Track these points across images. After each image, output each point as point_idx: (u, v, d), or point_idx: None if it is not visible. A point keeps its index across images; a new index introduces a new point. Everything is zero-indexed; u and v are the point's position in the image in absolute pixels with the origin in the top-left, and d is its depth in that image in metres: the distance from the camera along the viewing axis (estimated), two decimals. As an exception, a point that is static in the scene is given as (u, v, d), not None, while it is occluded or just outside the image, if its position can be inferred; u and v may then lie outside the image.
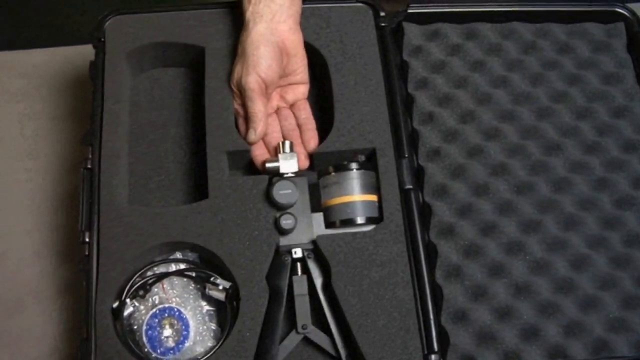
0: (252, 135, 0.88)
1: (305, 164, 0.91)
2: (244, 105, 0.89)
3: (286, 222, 0.85)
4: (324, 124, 0.94)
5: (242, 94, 0.88)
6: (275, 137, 0.91)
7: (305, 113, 0.93)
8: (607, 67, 1.01)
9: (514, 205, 0.91)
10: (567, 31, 1.03)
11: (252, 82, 0.86)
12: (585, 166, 0.94)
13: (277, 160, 0.88)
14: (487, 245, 0.89)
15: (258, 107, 0.87)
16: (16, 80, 1.10)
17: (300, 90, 0.94)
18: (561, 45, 1.02)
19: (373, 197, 0.88)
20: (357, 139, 0.91)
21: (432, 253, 0.88)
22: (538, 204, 0.92)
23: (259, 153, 0.91)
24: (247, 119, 0.89)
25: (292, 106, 0.94)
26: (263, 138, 0.91)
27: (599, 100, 0.99)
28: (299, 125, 0.93)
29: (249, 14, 0.87)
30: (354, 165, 0.88)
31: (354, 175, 0.88)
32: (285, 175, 0.87)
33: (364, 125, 0.92)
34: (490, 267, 0.88)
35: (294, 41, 0.89)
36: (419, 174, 0.93)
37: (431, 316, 0.84)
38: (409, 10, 1.01)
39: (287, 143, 0.89)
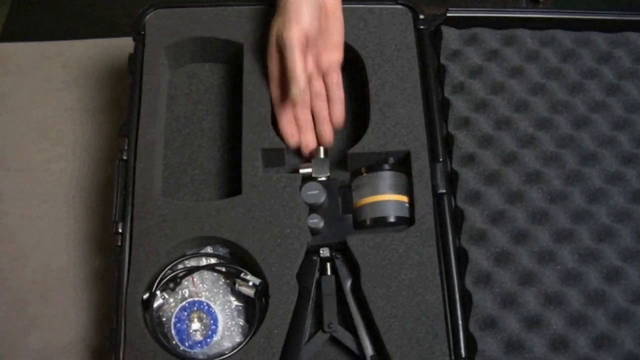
0: (295, 90, 0.85)
1: (330, 138, 0.91)
2: (282, 64, 0.87)
3: (312, 221, 0.86)
4: (360, 125, 0.94)
5: (280, 50, 0.87)
6: (305, 117, 0.91)
7: (337, 80, 0.92)
8: (648, 78, 1.00)
9: (547, 214, 0.90)
10: (608, 40, 1.02)
11: (294, 36, 0.84)
12: (622, 178, 0.93)
13: (309, 166, 0.89)
14: (519, 253, 0.88)
15: (300, 62, 0.85)
16: (56, 71, 1.11)
17: (334, 56, 0.93)
18: (601, 54, 1.01)
19: (404, 198, 0.88)
20: (392, 141, 0.91)
21: (462, 258, 0.88)
22: (572, 213, 0.91)
23: (289, 131, 0.90)
24: (287, 76, 0.86)
25: (324, 76, 0.93)
26: (294, 116, 0.90)
27: (638, 111, 0.97)
28: (327, 97, 0.92)
29: None
30: (385, 166, 0.88)
31: (386, 175, 0.88)
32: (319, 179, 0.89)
33: (399, 127, 0.92)
34: (521, 275, 0.87)
35: (333, 0, 0.89)
36: (452, 179, 0.93)
37: (459, 322, 0.83)
38: (448, 14, 1.01)
39: (321, 149, 0.91)
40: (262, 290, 0.83)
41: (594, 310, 0.85)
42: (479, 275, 0.87)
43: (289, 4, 0.86)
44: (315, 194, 0.87)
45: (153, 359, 0.80)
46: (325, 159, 0.90)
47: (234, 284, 0.85)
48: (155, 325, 0.84)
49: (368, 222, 0.87)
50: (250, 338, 0.82)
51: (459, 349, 0.82)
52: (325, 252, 0.87)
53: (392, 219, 0.87)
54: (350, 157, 0.91)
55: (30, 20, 1.21)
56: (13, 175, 1.03)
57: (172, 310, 0.84)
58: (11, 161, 1.04)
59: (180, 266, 0.86)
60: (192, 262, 0.87)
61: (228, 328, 0.84)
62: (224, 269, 0.86)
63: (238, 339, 0.84)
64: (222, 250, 0.88)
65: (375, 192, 0.88)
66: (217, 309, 0.84)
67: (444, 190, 0.90)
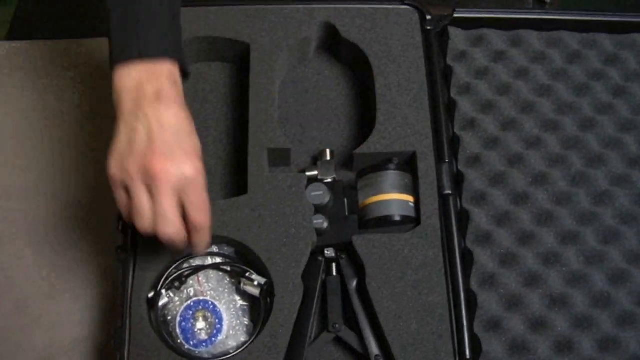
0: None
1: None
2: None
3: (316, 221, 0.86)
4: (366, 126, 0.95)
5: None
6: None
7: None
8: (654, 80, 1.00)
9: (552, 215, 0.90)
10: (615, 42, 1.02)
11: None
12: (628, 180, 0.93)
13: (315, 169, 0.90)
14: (524, 254, 0.88)
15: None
16: (62, 70, 1.11)
17: None
18: (608, 56, 1.01)
19: (409, 197, 0.89)
20: (397, 142, 0.91)
21: (467, 259, 0.88)
22: (577, 215, 0.91)
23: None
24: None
25: None
26: None
27: (644, 113, 0.98)
28: None
29: None
30: (390, 166, 0.88)
31: (390, 175, 0.88)
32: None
33: (405, 128, 0.92)
34: (526, 276, 0.87)
35: None
36: (458, 180, 0.93)
37: (464, 323, 0.83)
38: (455, 15, 1.01)
39: (327, 151, 0.91)
40: (268, 290, 0.83)
41: (599, 313, 0.85)
42: (484, 276, 0.87)
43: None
44: (319, 194, 0.87)
45: (158, 358, 0.80)
46: (331, 161, 0.91)
47: (239, 283, 0.85)
48: (160, 324, 0.84)
49: (373, 222, 0.87)
50: (255, 337, 0.82)
51: (464, 349, 0.82)
52: (330, 252, 0.87)
53: (397, 218, 0.87)
54: (356, 157, 0.91)
55: (36, 19, 1.21)
56: (19, 173, 1.03)
57: (177, 309, 0.84)
58: (17, 159, 1.04)
59: (185, 265, 0.86)
60: (197, 261, 0.87)
61: (233, 327, 0.84)
62: (229, 268, 0.86)
63: (243, 339, 0.84)
64: (227, 250, 0.88)
65: (380, 192, 0.88)
66: (222, 308, 0.84)
67: (449, 191, 0.90)
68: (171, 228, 0.71)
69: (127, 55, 0.71)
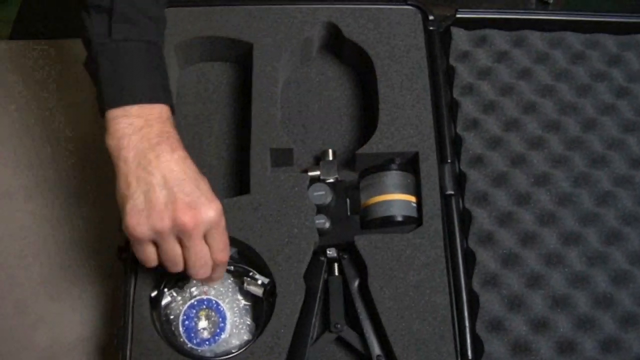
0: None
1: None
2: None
3: (318, 221, 0.86)
4: (368, 126, 0.95)
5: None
6: None
7: None
8: (658, 81, 1.00)
9: (555, 216, 0.90)
10: (618, 42, 1.02)
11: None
12: (631, 180, 0.93)
13: (317, 169, 0.90)
14: (526, 255, 0.88)
15: None
16: (65, 69, 1.11)
17: None
18: (611, 57, 1.01)
19: (411, 198, 0.88)
20: (400, 142, 0.91)
21: (470, 260, 0.88)
22: (580, 216, 0.91)
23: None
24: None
25: None
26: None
27: (648, 114, 0.97)
28: None
29: None
30: (393, 166, 0.88)
31: (393, 175, 0.88)
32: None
33: (408, 128, 0.92)
34: (529, 277, 0.87)
35: None
36: (460, 180, 0.93)
37: (466, 323, 0.83)
38: (458, 15, 1.01)
39: (330, 152, 0.91)
40: (270, 290, 0.83)
41: (601, 314, 0.85)
42: (486, 277, 0.87)
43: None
44: (321, 194, 0.87)
45: (160, 357, 0.80)
46: (333, 161, 0.91)
47: (242, 282, 0.85)
48: (163, 322, 0.84)
49: (375, 222, 0.87)
50: (258, 337, 0.82)
51: (466, 350, 0.82)
52: (332, 252, 0.87)
53: (399, 218, 0.87)
54: (359, 157, 0.91)
55: (39, 18, 1.21)
56: (22, 172, 1.03)
57: (181, 308, 0.83)
58: (20, 159, 1.04)
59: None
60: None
61: (236, 326, 0.84)
62: (232, 268, 0.86)
63: (246, 337, 0.84)
64: (230, 249, 0.87)
65: (383, 192, 0.88)
66: (225, 307, 0.83)
67: (452, 192, 0.90)
68: (206, 270, 0.75)
69: (121, 101, 0.72)
